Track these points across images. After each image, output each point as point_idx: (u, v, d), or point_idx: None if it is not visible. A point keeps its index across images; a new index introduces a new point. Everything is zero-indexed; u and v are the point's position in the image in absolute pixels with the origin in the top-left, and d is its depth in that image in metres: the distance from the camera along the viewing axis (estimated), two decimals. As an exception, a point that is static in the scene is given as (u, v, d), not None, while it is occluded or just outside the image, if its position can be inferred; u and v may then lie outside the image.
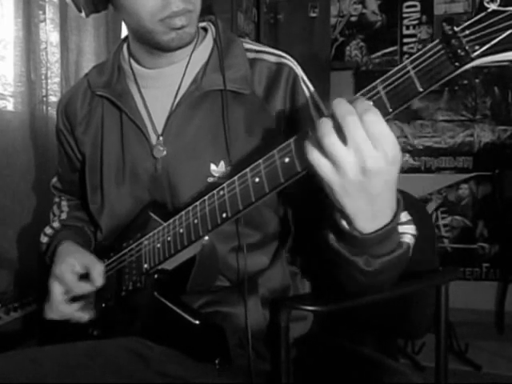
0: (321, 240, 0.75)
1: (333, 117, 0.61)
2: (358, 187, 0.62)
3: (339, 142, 0.60)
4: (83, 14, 0.96)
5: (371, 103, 0.61)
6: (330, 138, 0.60)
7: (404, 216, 0.78)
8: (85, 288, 0.95)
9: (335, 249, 0.72)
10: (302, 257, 1.00)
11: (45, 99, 1.57)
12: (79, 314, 0.97)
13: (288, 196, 0.93)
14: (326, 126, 0.61)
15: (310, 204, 0.86)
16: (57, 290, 0.97)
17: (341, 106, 0.61)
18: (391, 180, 0.63)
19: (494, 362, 2.53)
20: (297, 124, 0.91)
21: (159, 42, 0.90)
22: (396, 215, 0.67)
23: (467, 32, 0.57)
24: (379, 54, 3.36)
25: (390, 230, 0.68)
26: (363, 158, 0.59)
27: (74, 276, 0.96)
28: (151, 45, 0.93)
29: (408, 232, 0.76)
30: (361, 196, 0.63)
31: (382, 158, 0.59)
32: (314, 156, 0.62)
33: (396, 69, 0.61)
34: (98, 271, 0.95)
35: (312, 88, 0.96)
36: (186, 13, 0.86)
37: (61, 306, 0.96)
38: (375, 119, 0.59)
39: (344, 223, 0.68)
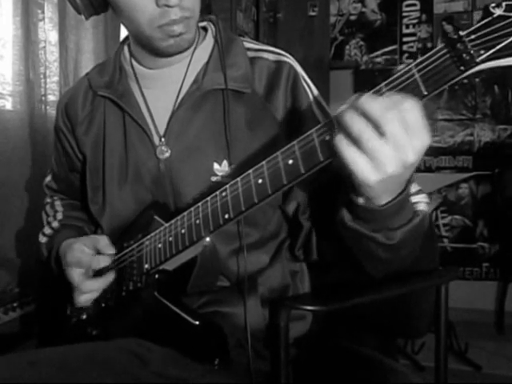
0: (338, 223, 0.75)
1: (364, 114, 0.60)
2: (395, 177, 0.62)
3: (377, 138, 0.59)
4: (83, 17, 0.96)
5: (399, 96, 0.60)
6: (367, 134, 0.59)
7: (414, 187, 0.78)
8: (102, 259, 0.96)
9: (353, 228, 0.72)
10: (318, 249, 0.98)
11: (43, 98, 1.58)
12: (106, 277, 0.96)
13: (301, 187, 0.93)
14: (360, 122, 0.60)
15: (323, 192, 0.87)
16: (76, 274, 0.97)
17: (375, 102, 0.59)
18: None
19: (493, 362, 2.52)
20: (299, 122, 0.91)
21: (157, 47, 0.90)
22: (408, 184, 0.69)
23: (473, 37, 0.57)
24: (379, 52, 3.35)
25: (404, 199, 0.69)
26: (406, 153, 0.59)
27: (88, 254, 0.97)
28: (150, 49, 0.93)
29: (421, 201, 0.79)
30: (393, 183, 0.64)
31: (420, 147, 0.60)
32: (350, 153, 0.61)
33: (401, 72, 0.61)
34: (104, 242, 0.96)
35: (313, 86, 0.96)
36: (184, 20, 0.86)
37: (88, 283, 0.96)
38: (411, 109, 0.59)
39: (361, 200, 0.68)
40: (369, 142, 0.59)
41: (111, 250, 0.96)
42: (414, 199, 0.77)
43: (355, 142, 0.60)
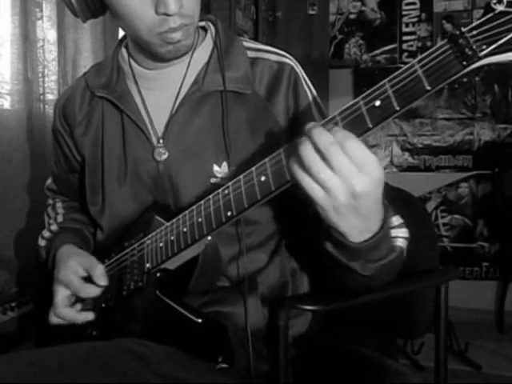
0: (320, 245, 0.77)
1: (315, 146, 0.63)
2: (350, 208, 0.65)
3: (327, 169, 0.63)
4: (80, 20, 0.95)
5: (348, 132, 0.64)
6: (317, 166, 0.63)
7: (396, 220, 0.84)
8: (91, 290, 0.95)
9: (333, 255, 0.75)
10: (301, 254, 0.99)
11: (42, 97, 1.57)
12: (82, 315, 0.97)
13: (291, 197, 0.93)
14: (310, 154, 0.63)
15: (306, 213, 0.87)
16: (61, 294, 0.97)
17: (322, 137, 0.62)
18: (379, 197, 0.67)
19: (493, 361, 2.52)
20: (299, 124, 0.90)
21: (156, 52, 0.89)
22: (384, 224, 0.71)
23: (474, 32, 0.58)
24: (378, 51, 3.35)
25: (381, 237, 0.71)
26: (352, 184, 0.62)
27: (79, 279, 0.96)
28: (148, 53, 0.93)
29: (400, 236, 0.82)
30: (352, 215, 0.66)
31: (368, 181, 0.63)
32: (306, 181, 0.64)
33: (403, 68, 0.62)
34: (100, 272, 0.95)
35: (312, 87, 0.96)
36: (184, 27, 0.85)
37: (64, 311, 0.97)
38: (356, 145, 0.62)
39: (338, 236, 0.71)
40: (318, 173, 0.63)
41: (104, 282, 0.95)
42: (393, 233, 0.80)
43: (307, 171, 0.64)
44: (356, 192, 0.63)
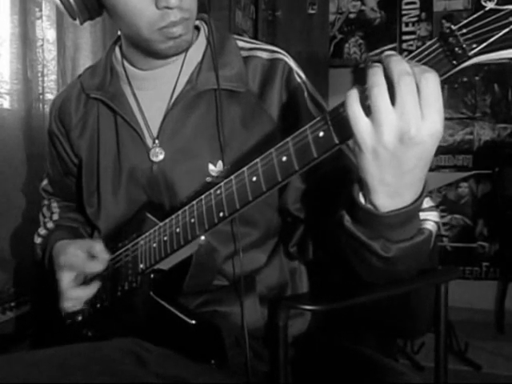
0: (335, 225, 0.71)
1: (386, 72, 0.56)
2: (391, 155, 0.57)
3: (387, 99, 0.56)
4: (77, 22, 0.95)
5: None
6: (379, 89, 0.56)
7: (426, 202, 0.71)
8: (95, 266, 0.94)
9: (351, 231, 0.68)
10: (314, 248, 0.97)
11: (41, 97, 1.58)
12: (91, 287, 0.96)
13: (300, 185, 0.91)
14: (378, 77, 0.56)
15: (325, 190, 0.84)
16: (66, 278, 0.96)
17: (400, 63, 0.56)
18: (427, 157, 0.59)
19: (493, 361, 2.52)
20: (294, 118, 0.90)
21: (156, 50, 0.89)
22: (420, 198, 0.63)
23: (464, 30, 0.57)
24: (378, 51, 3.35)
25: (410, 213, 0.63)
26: (408, 124, 0.55)
27: (82, 258, 0.95)
28: (148, 52, 0.92)
29: (430, 219, 0.71)
30: (390, 166, 0.58)
31: (427, 130, 0.55)
32: (355, 109, 0.57)
33: None
34: (99, 248, 0.94)
35: (308, 81, 0.95)
36: (184, 21, 0.85)
37: (74, 291, 0.96)
38: (433, 86, 0.55)
39: (361, 197, 0.65)
40: (376, 98, 0.56)
41: (106, 256, 0.94)
42: (423, 215, 0.70)
43: (366, 96, 0.57)
44: (409, 135, 0.55)
